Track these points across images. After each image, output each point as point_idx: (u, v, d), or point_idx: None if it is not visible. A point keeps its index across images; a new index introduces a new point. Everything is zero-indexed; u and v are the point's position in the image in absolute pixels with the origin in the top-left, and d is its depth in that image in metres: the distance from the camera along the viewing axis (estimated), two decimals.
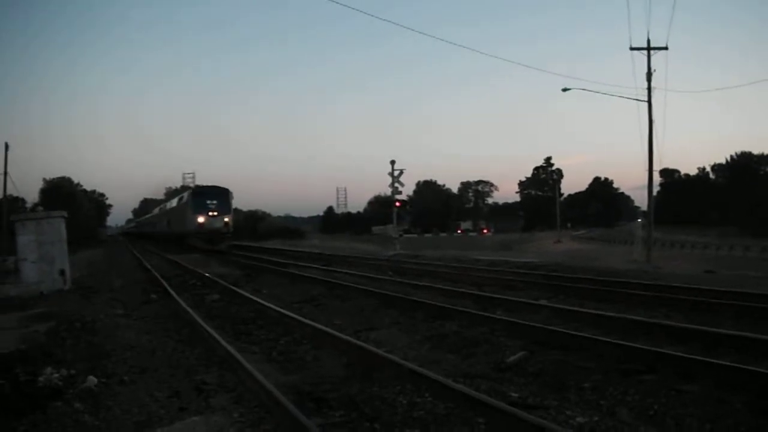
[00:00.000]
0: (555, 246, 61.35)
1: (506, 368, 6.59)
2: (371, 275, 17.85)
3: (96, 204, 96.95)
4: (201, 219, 35.43)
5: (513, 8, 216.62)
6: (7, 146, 32.35)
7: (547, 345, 7.43)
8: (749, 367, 5.73)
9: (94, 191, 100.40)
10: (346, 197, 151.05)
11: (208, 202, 36.12)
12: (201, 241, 35.18)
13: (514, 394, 5.63)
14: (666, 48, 25.75)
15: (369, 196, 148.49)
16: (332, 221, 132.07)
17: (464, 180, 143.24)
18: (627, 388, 5.67)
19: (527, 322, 8.59)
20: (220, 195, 37.38)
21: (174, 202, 46.19)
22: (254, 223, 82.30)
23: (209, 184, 42.40)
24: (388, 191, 34.36)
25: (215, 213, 35.95)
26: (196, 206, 36.14)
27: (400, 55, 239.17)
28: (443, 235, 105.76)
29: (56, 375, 6.48)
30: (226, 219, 36.42)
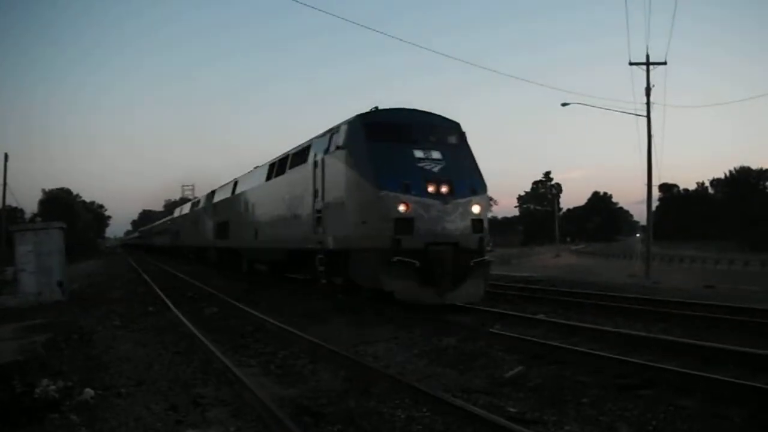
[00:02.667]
0: (554, 260, 61.38)
1: (504, 383, 6.57)
2: None
3: (95, 215, 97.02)
4: (402, 207, 11.13)
5: (511, 20, 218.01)
6: (6, 157, 32.44)
7: (545, 359, 7.41)
8: (747, 382, 5.72)
9: (93, 202, 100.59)
10: None
11: (421, 155, 11.80)
12: (404, 275, 10.88)
13: (512, 409, 5.61)
14: (665, 63, 25.93)
15: None
16: None
17: None
18: (625, 403, 5.66)
19: (525, 337, 8.58)
20: (447, 136, 12.96)
21: (262, 173, 19.61)
22: None
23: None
24: None
25: (446, 188, 11.55)
26: (383, 167, 11.52)
27: (398, 68, 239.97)
28: None
29: (53, 387, 6.46)
30: (476, 207, 11.84)
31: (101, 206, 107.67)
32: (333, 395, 6.23)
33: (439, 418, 5.36)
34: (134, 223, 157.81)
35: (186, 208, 39.41)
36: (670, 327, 9.67)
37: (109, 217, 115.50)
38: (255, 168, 21.44)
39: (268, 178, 18.35)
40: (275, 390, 6.56)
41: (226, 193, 25.06)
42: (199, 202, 33.34)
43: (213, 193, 28.54)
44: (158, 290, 17.97)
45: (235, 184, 23.75)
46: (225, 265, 25.71)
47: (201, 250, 31.69)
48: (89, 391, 6.43)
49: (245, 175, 22.87)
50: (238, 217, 22.10)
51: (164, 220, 58.87)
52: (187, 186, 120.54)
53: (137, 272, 30.11)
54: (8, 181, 32.87)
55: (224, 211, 24.78)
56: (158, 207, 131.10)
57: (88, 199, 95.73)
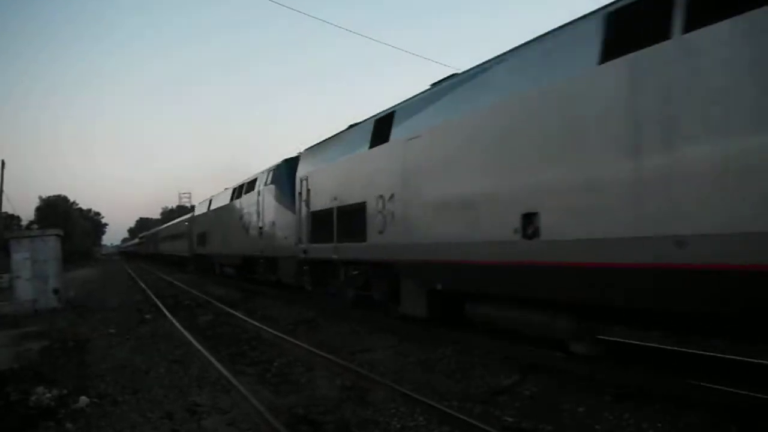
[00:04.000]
0: None
1: (501, 392, 6.56)
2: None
3: (92, 222, 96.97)
4: None
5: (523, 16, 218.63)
6: (3, 164, 32.34)
7: (542, 369, 7.40)
8: (744, 392, 5.72)
9: (89, 210, 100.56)
10: None
11: None
12: None
13: (508, 419, 5.60)
14: None
15: None
16: None
17: None
18: (622, 412, 5.65)
19: (522, 346, 8.56)
20: None
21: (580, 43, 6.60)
22: None
23: None
24: None
25: None
26: None
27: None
28: None
29: (48, 394, 6.45)
30: None
31: (98, 213, 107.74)
32: (329, 404, 6.22)
33: (435, 427, 5.35)
34: (131, 230, 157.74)
35: (222, 199, 25.15)
36: (668, 334, 9.65)
37: (105, 225, 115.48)
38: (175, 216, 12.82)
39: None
40: (272, 398, 6.55)
41: (355, 146, 11.74)
42: (253, 183, 19.83)
43: (293, 162, 15.56)
44: (154, 298, 17.95)
45: (389, 118, 10.63)
46: (322, 287, 13.85)
47: (257, 263, 19.20)
48: (84, 399, 6.42)
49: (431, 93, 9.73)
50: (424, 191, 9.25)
51: (179, 219, 44.08)
52: (185, 193, 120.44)
53: (134, 280, 30.10)
54: (5, 187, 32.75)
55: (344, 186, 12.04)
56: (155, 215, 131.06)
57: (84, 207, 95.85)
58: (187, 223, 35.87)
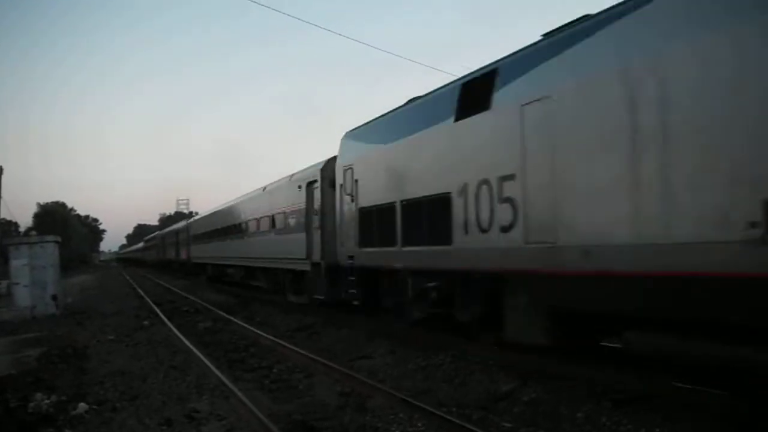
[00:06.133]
0: None
1: (500, 398, 6.56)
2: None
3: (90, 229, 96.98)
4: None
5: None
6: (1, 170, 32.28)
7: (541, 375, 7.40)
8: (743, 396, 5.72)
9: (87, 216, 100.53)
10: None
11: None
12: None
13: (507, 424, 5.61)
14: None
15: None
16: None
17: None
18: (620, 417, 5.65)
19: (521, 352, 8.56)
20: None
21: None
22: None
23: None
24: None
25: None
26: None
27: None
28: None
29: (47, 401, 6.45)
30: None
31: (96, 220, 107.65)
32: (328, 410, 6.23)
33: None
34: (129, 237, 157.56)
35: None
36: None
37: (103, 231, 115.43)
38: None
39: None
40: (270, 405, 6.55)
41: None
42: None
43: None
44: (152, 304, 17.92)
45: None
46: None
47: None
48: (83, 406, 6.42)
49: None
50: None
51: (266, 186, 18.99)
52: (182, 200, 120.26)
53: (131, 286, 30.07)
54: (3, 194, 32.68)
55: None
56: (153, 221, 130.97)
57: (82, 213, 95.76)
58: (300, 187, 14.99)
